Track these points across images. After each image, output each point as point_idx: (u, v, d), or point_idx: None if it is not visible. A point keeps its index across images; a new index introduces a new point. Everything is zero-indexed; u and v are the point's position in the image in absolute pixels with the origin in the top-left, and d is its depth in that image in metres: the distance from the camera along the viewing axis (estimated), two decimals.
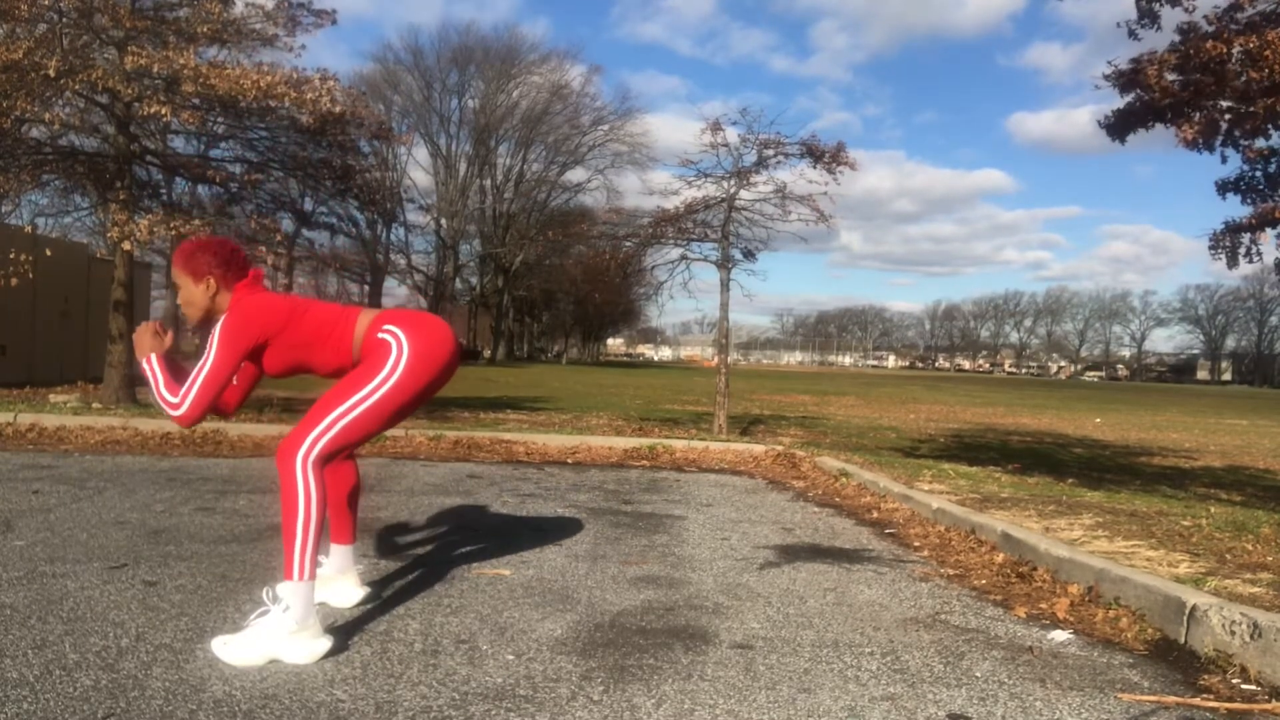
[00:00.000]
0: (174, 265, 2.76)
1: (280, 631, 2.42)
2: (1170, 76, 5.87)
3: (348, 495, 2.98)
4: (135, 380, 10.46)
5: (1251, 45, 5.31)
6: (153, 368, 2.63)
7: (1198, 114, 5.87)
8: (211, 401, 2.60)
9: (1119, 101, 6.36)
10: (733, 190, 9.19)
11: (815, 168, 9.01)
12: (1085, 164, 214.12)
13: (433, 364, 2.66)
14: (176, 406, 2.57)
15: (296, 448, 2.52)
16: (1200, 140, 5.85)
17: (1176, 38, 5.83)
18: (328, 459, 2.59)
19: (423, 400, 2.73)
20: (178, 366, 2.69)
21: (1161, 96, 5.92)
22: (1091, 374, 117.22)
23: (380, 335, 2.65)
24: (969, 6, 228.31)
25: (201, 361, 2.57)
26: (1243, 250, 6.35)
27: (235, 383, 2.86)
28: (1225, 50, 5.42)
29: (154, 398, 2.62)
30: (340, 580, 2.97)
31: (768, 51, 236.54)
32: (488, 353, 54.09)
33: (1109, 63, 6.30)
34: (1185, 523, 4.55)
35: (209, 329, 2.66)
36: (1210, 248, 6.46)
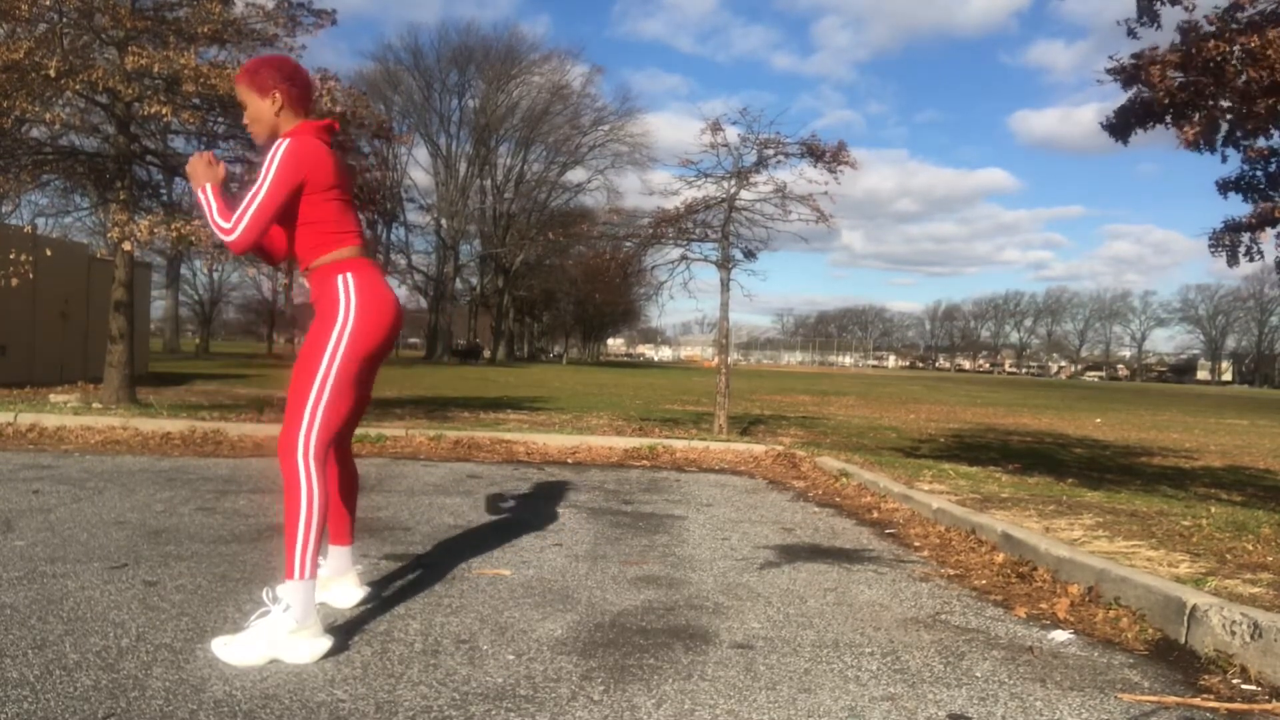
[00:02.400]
0: (238, 84, 2.77)
1: (281, 631, 2.42)
2: (1172, 75, 5.86)
3: (346, 495, 2.97)
4: (135, 380, 10.47)
5: (1253, 44, 5.31)
6: (207, 195, 2.61)
7: (1198, 114, 5.86)
8: (263, 228, 2.56)
9: (1121, 98, 6.34)
10: (733, 190, 9.18)
11: (816, 167, 8.99)
12: (1088, 163, 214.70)
13: (378, 327, 2.67)
14: (230, 231, 2.54)
15: (295, 444, 2.53)
16: (1201, 141, 5.84)
17: (1177, 37, 5.82)
18: (327, 447, 2.59)
19: (378, 358, 2.75)
20: (230, 198, 2.66)
21: (1163, 96, 5.91)
22: (1092, 374, 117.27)
23: (338, 279, 2.64)
24: (972, 4, 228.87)
25: (255, 188, 2.55)
26: (1243, 249, 6.34)
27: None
28: (1227, 48, 5.41)
29: (208, 224, 2.61)
30: (340, 581, 2.97)
31: (770, 49, 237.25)
32: (488, 353, 54.07)
33: (1111, 57, 6.29)
34: (1185, 523, 4.55)
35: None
36: (1210, 246, 6.44)
